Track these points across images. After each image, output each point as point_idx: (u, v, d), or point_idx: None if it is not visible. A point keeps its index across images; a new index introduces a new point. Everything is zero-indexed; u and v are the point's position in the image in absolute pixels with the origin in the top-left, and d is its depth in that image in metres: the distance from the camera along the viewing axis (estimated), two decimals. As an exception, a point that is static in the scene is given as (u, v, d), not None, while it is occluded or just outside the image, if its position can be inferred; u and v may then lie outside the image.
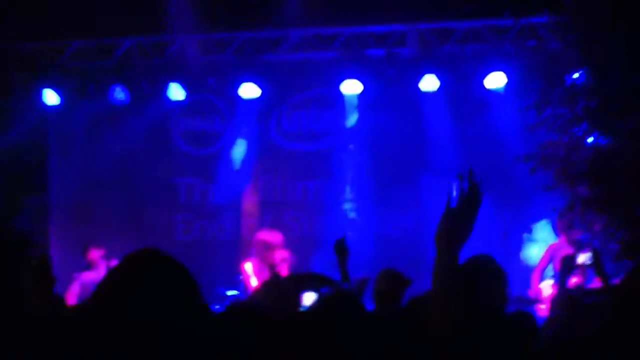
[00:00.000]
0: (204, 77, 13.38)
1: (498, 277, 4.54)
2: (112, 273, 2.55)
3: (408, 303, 4.64)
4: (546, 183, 10.22)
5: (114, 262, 10.35)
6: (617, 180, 9.15)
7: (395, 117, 13.12)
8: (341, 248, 6.46)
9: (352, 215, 13.15)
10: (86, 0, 11.99)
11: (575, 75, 9.97)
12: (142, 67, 13.39)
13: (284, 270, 9.89)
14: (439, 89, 12.78)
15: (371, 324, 3.54)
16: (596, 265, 6.95)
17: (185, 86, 13.43)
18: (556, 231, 10.88)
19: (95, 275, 11.32)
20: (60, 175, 13.93)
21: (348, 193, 13.28)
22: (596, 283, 7.86)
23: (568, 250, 10.46)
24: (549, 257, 10.84)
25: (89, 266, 11.66)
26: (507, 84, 12.25)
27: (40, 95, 13.18)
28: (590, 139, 9.71)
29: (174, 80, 13.30)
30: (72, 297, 11.25)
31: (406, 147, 13.07)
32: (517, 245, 11.29)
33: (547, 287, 10.50)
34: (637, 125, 9.39)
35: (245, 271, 10.59)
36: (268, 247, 10.28)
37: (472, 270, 4.45)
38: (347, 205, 13.25)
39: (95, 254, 11.64)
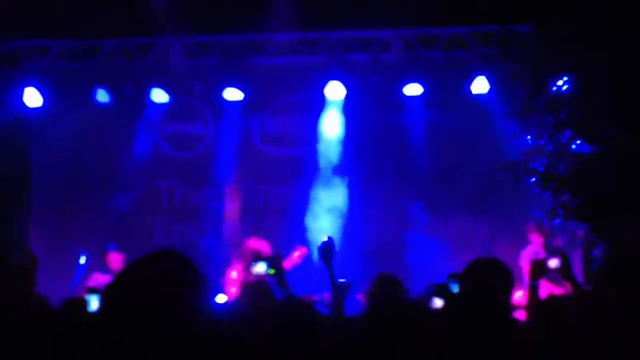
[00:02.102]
0: (188, 80, 13.33)
1: (504, 280, 4.52)
2: (129, 268, 2.53)
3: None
4: (529, 189, 10.25)
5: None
6: (600, 187, 9.17)
7: (379, 121, 13.13)
8: (326, 252, 6.41)
9: (334, 220, 13.10)
10: (70, 1, 11.93)
11: (560, 83, 10.00)
12: (126, 69, 13.31)
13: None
14: (422, 94, 12.81)
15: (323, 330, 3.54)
16: (565, 270, 6.95)
17: (168, 89, 13.38)
18: (530, 237, 10.93)
19: (111, 279, 11.26)
20: (41, 176, 13.83)
21: (331, 198, 13.24)
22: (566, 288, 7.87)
23: (542, 255, 10.54)
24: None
25: (107, 269, 11.65)
26: (491, 90, 12.28)
27: (21, 94, 13.07)
28: (573, 147, 9.72)
29: (157, 83, 13.26)
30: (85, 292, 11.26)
31: (390, 151, 13.08)
32: (501, 251, 11.27)
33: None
34: (620, 132, 9.42)
35: (229, 278, 10.59)
36: (257, 256, 10.30)
37: (477, 273, 4.45)
38: (330, 210, 13.21)
39: (114, 258, 11.63)
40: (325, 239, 6.55)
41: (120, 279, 2.50)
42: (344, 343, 3.75)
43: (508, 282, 4.50)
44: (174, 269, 2.49)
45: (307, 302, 4.15)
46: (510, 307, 4.51)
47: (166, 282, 2.44)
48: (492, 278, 4.45)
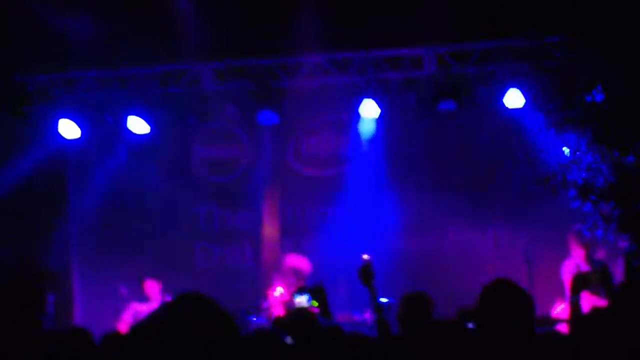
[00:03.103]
0: (222, 105, 13.38)
1: (521, 299, 4.49)
2: (157, 312, 2.55)
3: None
4: (567, 201, 10.19)
5: (169, 298, 10.49)
6: (640, 198, 9.11)
7: (414, 138, 13.13)
8: (366, 272, 6.37)
9: (373, 238, 13.06)
10: (99, 31, 12.04)
11: (595, 94, 9.95)
12: (159, 97, 13.38)
13: None
14: (456, 109, 12.78)
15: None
16: (605, 283, 6.85)
17: (202, 114, 13.46)
18: (572, 249, 10.84)
19: (149, 307, 11.42)
20: (80, 207, 13.95)
21: (368, 216, 13.23)
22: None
23: (586, 268, 10.45)
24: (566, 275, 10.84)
25: (144, 297, 11.75)
26: (525, 103, 12.22)
27: (56, 126, 13.16)
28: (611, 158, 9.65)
29: (190, 109, 13.35)
30: (124, 325, 11.38)
31: (426, 167, 13.06)
32: (540, 264, 11.20)
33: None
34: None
35: (272, 297, 10.62)
36: (298, 273, 10.35)
37: (493, 294, 4.42)
38: (368, 228, 13.18)
39: (151, 286, 11.73)
40: (366, 257, 6.53)
41: (145, 326, 2.51)
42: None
43: (525, 302, 4.46)
44: (196, 317, 2.50)
45: (349, 332, 4.16)
46: (533, 326, 4.47)
47: (189, 331, 2.45)
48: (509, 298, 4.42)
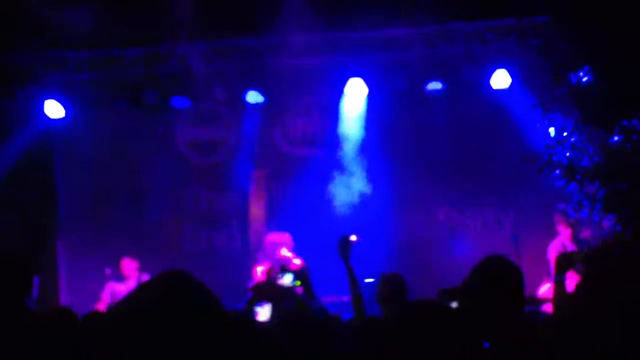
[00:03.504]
0: (209, 85, 13.33)
1: (515, 276, 4.52)
2: (138, 291, 2.54)
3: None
4: (553, 181, 10.20)
5: (146, 276, 10.45)
6: (625, 177, 9.11)
7: (402, 119, 13.10)
8: (343, 245, 6.40)
9: (361, 217, 13.07)
10: (87, 12, 11.96)
11: (581, 74, 9.95)
12: (146, 78, 13.33)
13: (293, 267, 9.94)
14: (444, 90, 12.79)
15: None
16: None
17: (190, 95, 13.42)
18: (558, 229, 10.87)
19: (126, 286, 11.43)
20: (67, 188, 13.90)
21: (356, 195, 13.22)
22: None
23: (572, 248, 10.48)
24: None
25: (121, 276, 11.74)
26: (512, 83, 12.23)
27: (42, 107, 13.12)
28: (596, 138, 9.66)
29: (178, 90, 13.31)
30: (102, 305, 11.39)
31: (413, 147, 13.05)
32: (527, 243, 11.23)
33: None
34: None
35: (255, 275, 10.64)
36: (276, 246, 10.37)
37: (487, 270, 4.44)
38: (356, 208, 13.18)
39: (128, 265, 11.70)
40: (354, 238, 6.53)
41: (128, 303, 2.50)
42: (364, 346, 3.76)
43: (516, 279, 4.49)
44: (179, 294, 2.49)
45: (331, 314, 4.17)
46: (521, 303, 4.49)
47: (172, 309, 2.44)
48: (502, 275, 4.44)
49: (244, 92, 13.21)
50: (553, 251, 10.75)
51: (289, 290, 6.52)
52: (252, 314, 5.62)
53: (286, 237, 10.75)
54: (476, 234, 12.96)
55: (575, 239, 10.57)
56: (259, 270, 10.61)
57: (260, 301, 5.68)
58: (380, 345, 3.05)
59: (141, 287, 2.54)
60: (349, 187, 13.23)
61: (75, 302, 11.70)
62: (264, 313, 5.70)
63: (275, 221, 13.63)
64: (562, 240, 10.74)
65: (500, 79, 12.32)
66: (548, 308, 9.33)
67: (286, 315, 4.26)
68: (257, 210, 13.75)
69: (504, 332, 4.11)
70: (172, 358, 2.35)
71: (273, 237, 10.95)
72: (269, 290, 5.85)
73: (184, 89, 13.35)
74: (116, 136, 13.66)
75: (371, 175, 13.20)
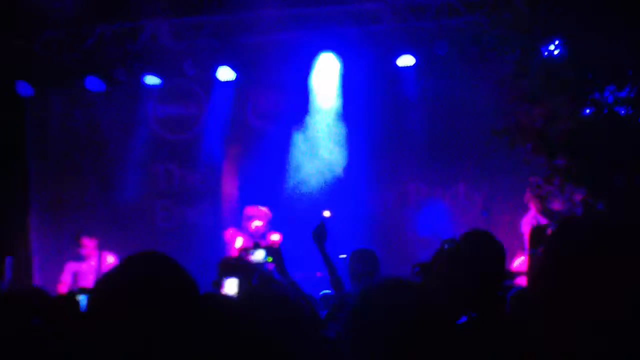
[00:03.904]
0: (179, 61, 13.25)
1: (496, 251, 4.51)
2: (111, 273, 2.53)
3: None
4: (524, 155, 10.22)
5: (106, 254, 10.34)
6: (595, 150, 9.14)
7: (373, 93, 13.07)
8: (319, 234, 6.42)
9: (332, 193, 13.06)
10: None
11: (551, 47, 9.95)
12: (116, 55, 13.24)
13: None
14: (415, 64, 12.78)
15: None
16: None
17: (160, 72, 13.34)
18: (528, 202, 10.92)
19: (87, 265, 11.36)
20: (38, 167, 13.81)
21: (328, 171, 13.20)
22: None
23: (543, 221, 10.53)
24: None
25: (80, 256, 11.65)
26: (483, 57, 12.23)
27: (13, 86, 13.00)
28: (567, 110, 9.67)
29: (148, 67, 13.23)
30: (63, 286, 11.31)
31: (385, 123, 13.03)
32: (500, 218, 11.29)
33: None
34: (614, 95, 9.39)
35: (232, 242, 10.73)
36: (251, 219, 10.40)
37: (469, 245, 4.43)
38: (327, 183, 13.16)
39: (88, 244, 11.62)
40: (327, 214, 6.54)
41: (103, 284, 2.50)
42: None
43: (497, 254, 4.48)
44: (154, 274, 2.48)
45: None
46: (501, 277, 4.50)
47: (148, 290, 2.43)
48: (484, 249, 4.44)
49: (215, 69, 13.14)
50: (526, 225, 10.82)
51: (256, 266, 6.52)
52: (219, 288, 5.63)
53: (264, 211, 10.77)
54: (448, 208, 12.99)
55: (547, 212, 10.62)
56: (239, 241, 10.64)
57: (227, 275, 5.67)
58: (346, 322, 3.06)
59: (116, 269, 2.53)
60: (321, 162, 13.20)
61: (49, 282, 11.66)
62: (231, 287, 5.70)
63: (247, 197, 13.61)
64: (534, 214, 10.79)
65: (471, 53, 12.32)
66: (522, 281, 9.41)
67: (252, 291, 4.27)
68: (229, 186, 13.72)
69: (480, 307, 4.12)
70: (148, 340, 2.35)
71: (250, 209, 10.97)
72: (236, 266, 5.84)
73: (154, 66, 13.26)
74: (87, 114, 13.58)
75: (343, 150, 13.17)
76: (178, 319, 2.41)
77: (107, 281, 2.50)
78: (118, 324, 2.36)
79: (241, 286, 5.58)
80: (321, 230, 6.38)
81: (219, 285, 5.77)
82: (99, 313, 2.42)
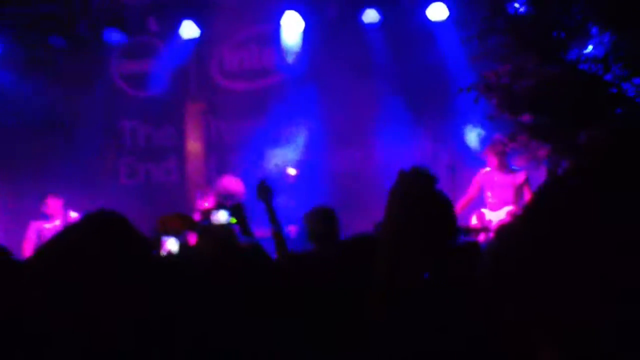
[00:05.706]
0: (143, 18, 13.11)
1: (447, 207, 4.48)
2: (66, 232, 2.51)
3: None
4: (490, 112, 10.23)
5: (70, 212, 10.24)
6: (560, 107, 9.16)
7: (338, 51, 12.97)
8: (264, 191, 6.41)
9: (299, 152, 13.02)
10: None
11: (517, 5, 9.92)
12: (80, 12, 13.06)
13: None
14: (380, 22, 12.73)
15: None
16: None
17: (124, 28, 13.19)
18: (486, 158, 10.94)
19: (52, 225, 11.28)
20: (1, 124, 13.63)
21: (294, 130, 13.14)
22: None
23: (501, 177, 10.60)
24: (479, 185, 10.99)
25: (45, 215, 11.57)
26: (450, 15, 12.20)
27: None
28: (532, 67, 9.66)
29: (111, 23, 13.07)
30: (29, 245, 11.22)
31: (351, 81, 12.95)
32: (464, 175, 11.31)
33: (482, 216, 10.70)
34: (579, 52, 9.41)
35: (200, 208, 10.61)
36: (231, 197, 10.22)
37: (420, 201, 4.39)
38: (294, 143, 13.11)
39: (53, 203, 11.53)
40: (293, 172, 6.52)
41: (50, 246, 2.47)
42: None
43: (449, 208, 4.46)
44: (107, 235, 2.46)
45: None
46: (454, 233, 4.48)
47: (97, 251, 2.41)
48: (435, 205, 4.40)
49: (179, 25, 13.02)
50: (476, 181, 10.98)
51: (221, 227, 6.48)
52: (159, 244, 5.59)
53: (239, 183, 10.53)
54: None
55: (506, 168, 10.67)
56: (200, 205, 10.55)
57: (166, 234, 5.63)
58: (310, 282, 3.04)
59: (68, 229, 2.51)
60: (286, 121, 13.13)
61: (13, 241, 11.56)
62: (172, 245, 5.66)
63: (213, 156, 13.57)
64: (491, 170, 10.85)
65: (438, 11, 12.30)
66: (480, 238, 9.47)
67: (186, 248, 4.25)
68: (194, 145, 13.66)
69: (440, 261, 4.11)
70: (98, 300, 2.33)
71: (226, 181, 10.70)
72: (174, 225, 5.79)
73: (117, 22, 13.11)
74: (50, 70, 13.40)
75: (308, 109, 13.10)
76: (127, 281, 2.39)
77: (55, 241, 2.47)
78: (63, 284, 2.34)
79: (181, 246, 5.54)
80: (264, 186, 6.37)
81: (159, 241, 5.72)
82: (44, 273, 2.40)
